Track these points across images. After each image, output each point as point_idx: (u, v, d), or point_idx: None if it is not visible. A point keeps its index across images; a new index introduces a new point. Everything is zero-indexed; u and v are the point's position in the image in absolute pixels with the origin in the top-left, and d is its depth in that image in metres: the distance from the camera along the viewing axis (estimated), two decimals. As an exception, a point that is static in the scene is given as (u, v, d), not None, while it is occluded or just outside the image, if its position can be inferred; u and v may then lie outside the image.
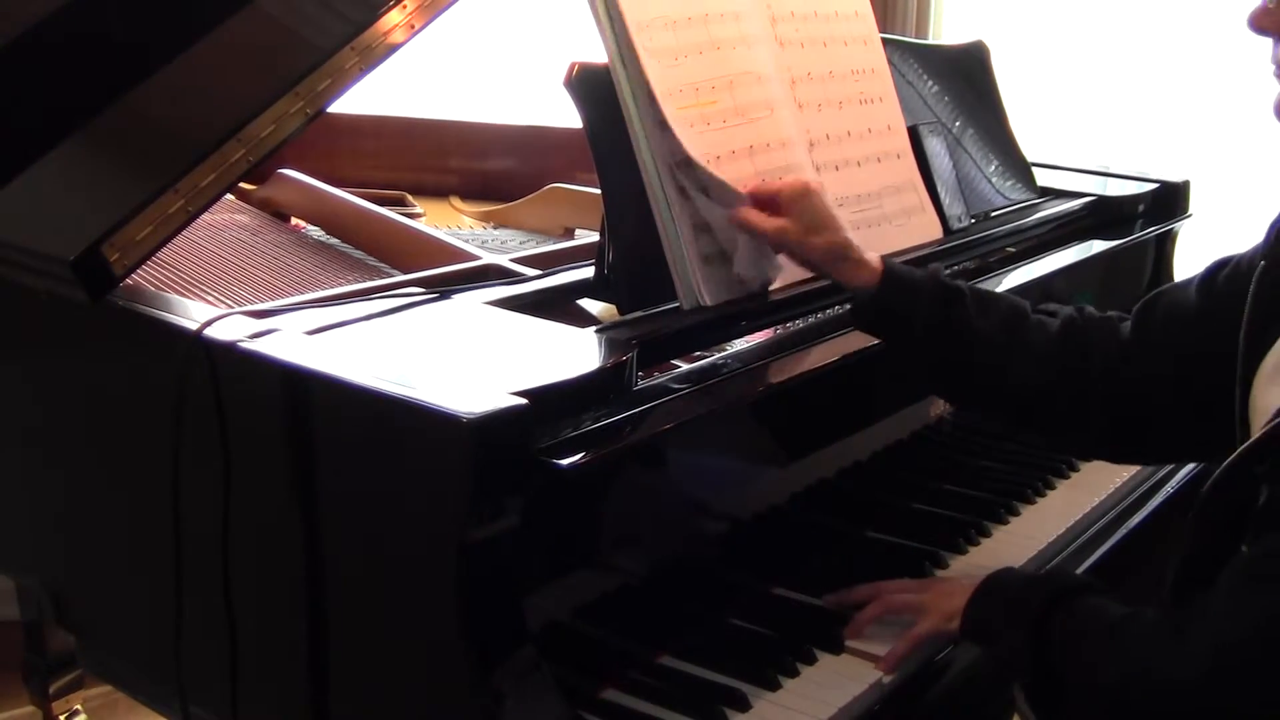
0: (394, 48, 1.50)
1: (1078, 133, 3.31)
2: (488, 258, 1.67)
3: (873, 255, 1.44)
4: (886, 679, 1.31)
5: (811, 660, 1.33)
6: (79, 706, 1.92)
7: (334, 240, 1.95)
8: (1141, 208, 2.19)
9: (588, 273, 1.52)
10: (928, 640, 1.35)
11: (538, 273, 1.58)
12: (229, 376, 1.25)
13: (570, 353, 1.26)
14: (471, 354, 1.32)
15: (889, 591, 1.40)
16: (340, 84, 1.48)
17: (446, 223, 2.21)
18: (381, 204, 2.02)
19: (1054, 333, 1.44)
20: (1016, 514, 1.69)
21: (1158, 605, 1.25)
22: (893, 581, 1.43)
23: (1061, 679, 1.22)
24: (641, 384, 1.28)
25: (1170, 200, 2.22)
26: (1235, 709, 1.10)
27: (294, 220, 2.06)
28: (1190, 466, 1.91)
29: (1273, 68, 1.33)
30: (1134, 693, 1.15)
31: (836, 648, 1.36)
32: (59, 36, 1.65)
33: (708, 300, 1.43)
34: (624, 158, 1.43)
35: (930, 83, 1.98)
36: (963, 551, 1.57)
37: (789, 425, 1.49)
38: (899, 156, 1.76)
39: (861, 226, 1.66)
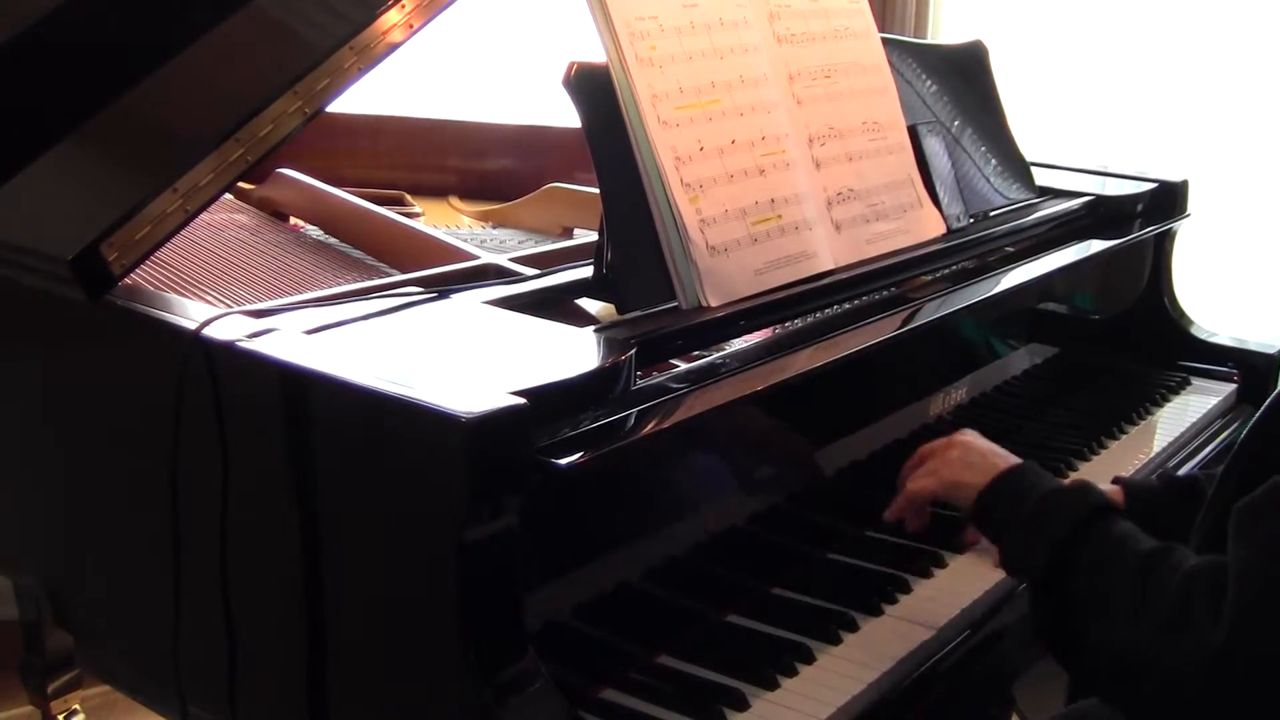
0: (393, 47, 1.50)
1: (1076, 132, 3.31)
2: (486, 257, 1.67)
3: (1108, 486, 1.54)
4: (881, 674, 1.32)
5: (810, 660, 1.33)
6: (77, 706, 1.92)
7: (333, 240, 1.95)
8: (1140, 207, 2.19)
9: (586, 272, 1.52)
10: (928, 496, 1.41)
11: (536, 272, 1.58)
12: (227, 376, 1.25)
13: (569, 352, 1.26)
14: (470, 353, 1.32)
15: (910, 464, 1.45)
16: (339, 83, 1.48)
17: (445, 222, 2.21)
18: (380, 203, 2.02)
19: None
20: (1015, 513, 1.68)
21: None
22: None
23: (1078, 599, 1.20)
24: (640, 384, 1.28)
25: (1169, 200, 2.22)
26: (1263, 660, 1.06)
27: (293, 220, 2.06)
28: (1193, 463, 1.92)
29: None
30: (1164, 650, 1.11)
31: (836, 646, 1.36)
32: (59, 36, 1.65)
33: (706, 300, 1.44)
34: (622, 157, 1.43)
35: (929, 82, 1.98)
36: (962, 550, 1.57)
37: (788, 425, 1.49)
38: (897, 151, 1.77)
39: (859, 222, 1.67)
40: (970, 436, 1.46)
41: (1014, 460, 1.37)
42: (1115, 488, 1.56)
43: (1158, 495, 1.55)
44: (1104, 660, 1.18)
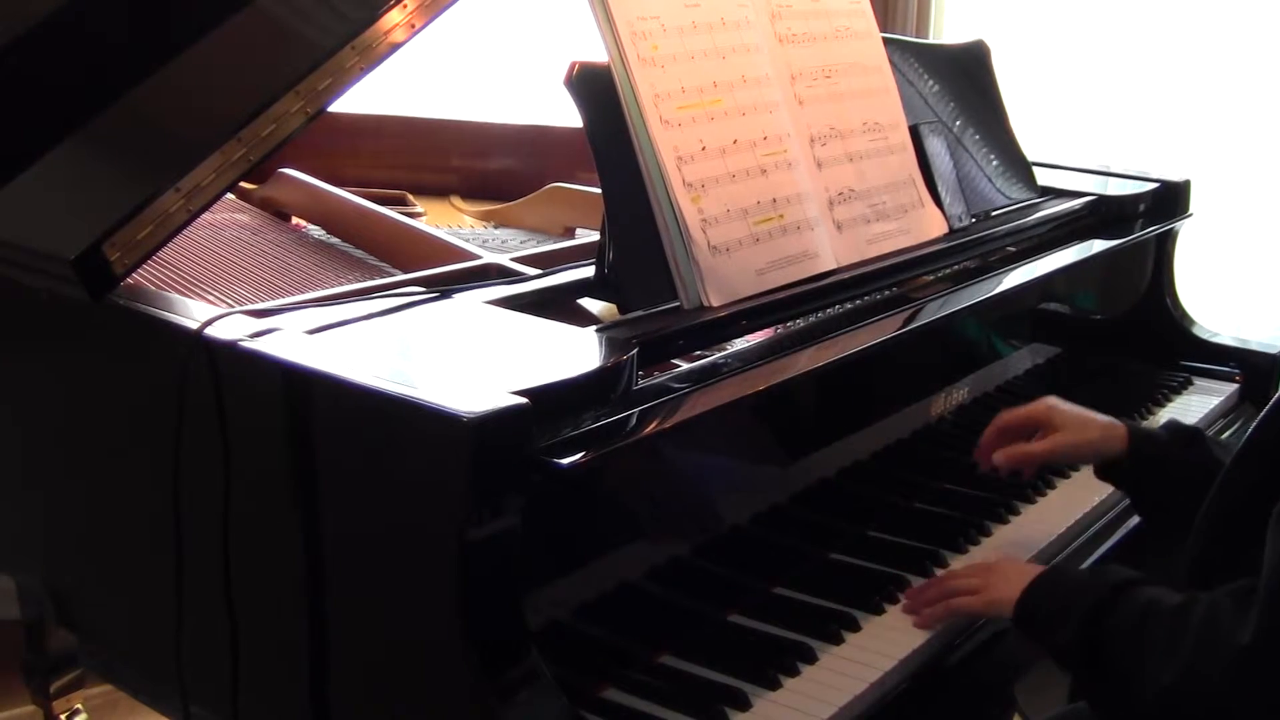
0: (394, 47, 1.50)
1: (1078, 132, 3.31)
2: (488, 257, 1.67)
3: (1115, 422, 1.59)
4: (883, 674, 1.32)
5: (812, 659, 1.33)
6: (80, 706, 1.92)
7: (335, 239, 1.95)
8: (1142, 207, 2.19)
9: (588, 272, 1.52)
10: (969, 615, 1.40)
11: (538, 272, 1.58)
12: (229, 376, 1.25)
13: (570, 352, 1.26)
14: (472, 353, 1.32)
15: (951, 579, 1.45)
16: (341, 83, 1.47)
17: (447, 222, 2.21)
18: (382, 203, 2.02)
19: None
20: (1017, 513, 1.69)
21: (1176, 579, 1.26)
22: (958, 569, 1.47)
23: (1119, 671, 1.23)
24: (641, 383, 1.28)
25: (1171, 200, 2.22)
26: None
27: (295, 219, 2.06)
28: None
29: None
30: (1197, 665, 1.15)
31: (837, 646, 1.36)
32: (59, 36, 1.65)
33: (708, 300, 1.44)
34: (624, 157, 1.43)
35: (931, 82, 1.98)
36: (963, 551, 1.57)
37: (789, 425, 1.49)
38: (898, 152, 1.77)
39: (861, 222, 1.67)
40: (1005, 562, 1.49)
41: (1039, 569, 1.40)
42: (1122, 430, 1.59)
43: (1161, 442, 1.59)
44: (1156, 709, 1.20)
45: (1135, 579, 1.31)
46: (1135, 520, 1.75)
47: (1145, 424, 1.76)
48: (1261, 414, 1.31)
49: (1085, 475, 1.82)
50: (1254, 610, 1.11)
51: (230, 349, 1.25)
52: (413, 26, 1.50)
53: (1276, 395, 1.30)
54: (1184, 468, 1.49)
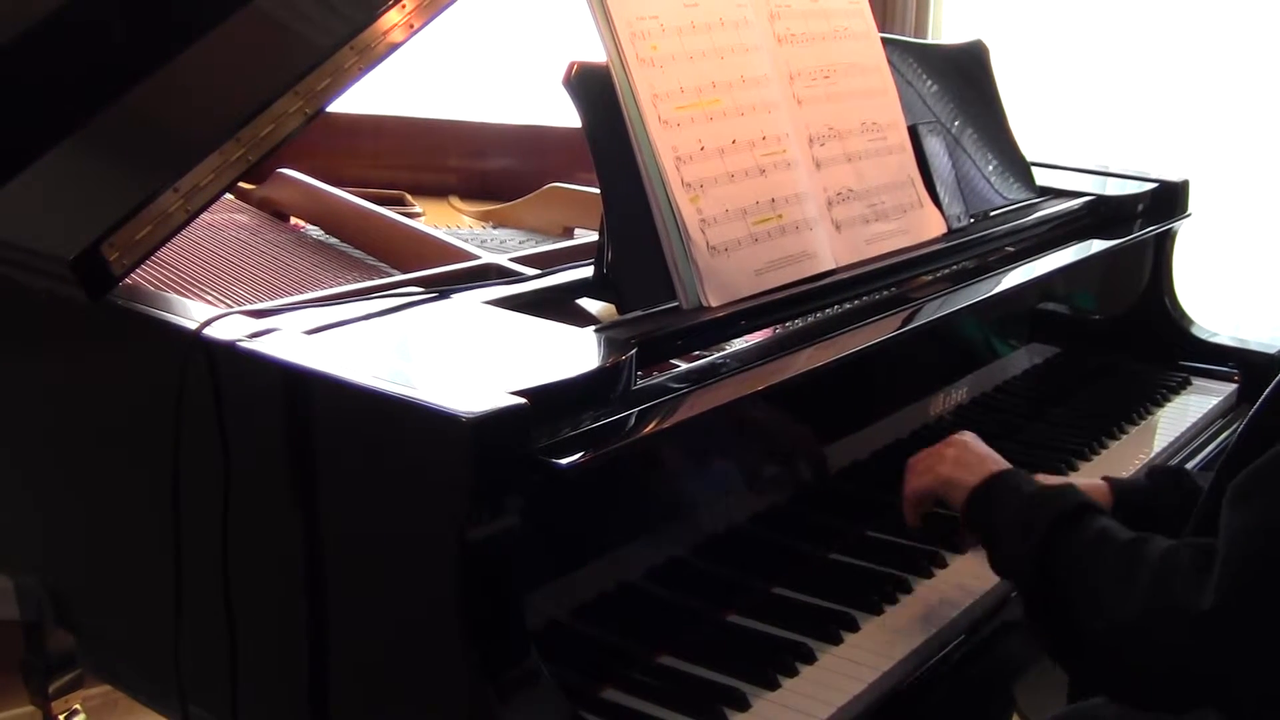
0: (393, 47, 1.50)
1: (1077, 132, 3.31)
2: (487, 257, 1.67)
3: (1095, 482, 1.55)
4: (882, 674, 1.32)
5: (811, 660, 1.33)
6: (78, 706, 1.92)
7: (333, 240, 1.95)
8: (1141, 207, 2.19)
9: (587, 272, 1.52)
10: (923, 491, 1.44)
11: (537, 272, 1.58)
12: (228, 376, 1.25)
13: (569, 352, 1.26)
14: (471, 353, 1.32)
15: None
16: (340, 83, 1.47)
17: (446, 222, 2.21)
18: (381, 203, 2.02)
19: None
20: (1016, 513, 1.68)
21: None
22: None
23: (1064, 596, 1.23)
24: (640, 383, 1.28)
25: (1169, 200, 2.22)
26: (1249, 633, 1.09)
27: (293, 220, 2.06)
28: (1193, 464, 1.92)
29: None
30: (1152, 619, 1.14)
31: (836, 646, 1.36)
32: (59, 36, 1.65)
33: (707, 300, 1.44)
34: (623, 157, 1.43)
35: (929, 82, 1.98)
36: (963, 551, 1.57)
37: (788, 425, 1.49)
38: (897, 152, 1.77)
39: (859, 222, 1.67)
40: (968, 437, 1.48)
41: (1005, 465, 1.40)
42: (1104, 485, 1.57)
43: (1145, 489, 1.57)
44: (1096, 648, 1.20)
45: (1092, 504, 1.30)
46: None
47: (1117, 467, 1.74)
48: (1247, 417, 1.30)
49: (1087, 469, 1.83)
50: (1212, 577, 1.10)
51: (229, 349, 1.25)
52: (411, 27, 1.50)
53: (1260, 399, 1.29)
54: (1174, 508, 1.45)
